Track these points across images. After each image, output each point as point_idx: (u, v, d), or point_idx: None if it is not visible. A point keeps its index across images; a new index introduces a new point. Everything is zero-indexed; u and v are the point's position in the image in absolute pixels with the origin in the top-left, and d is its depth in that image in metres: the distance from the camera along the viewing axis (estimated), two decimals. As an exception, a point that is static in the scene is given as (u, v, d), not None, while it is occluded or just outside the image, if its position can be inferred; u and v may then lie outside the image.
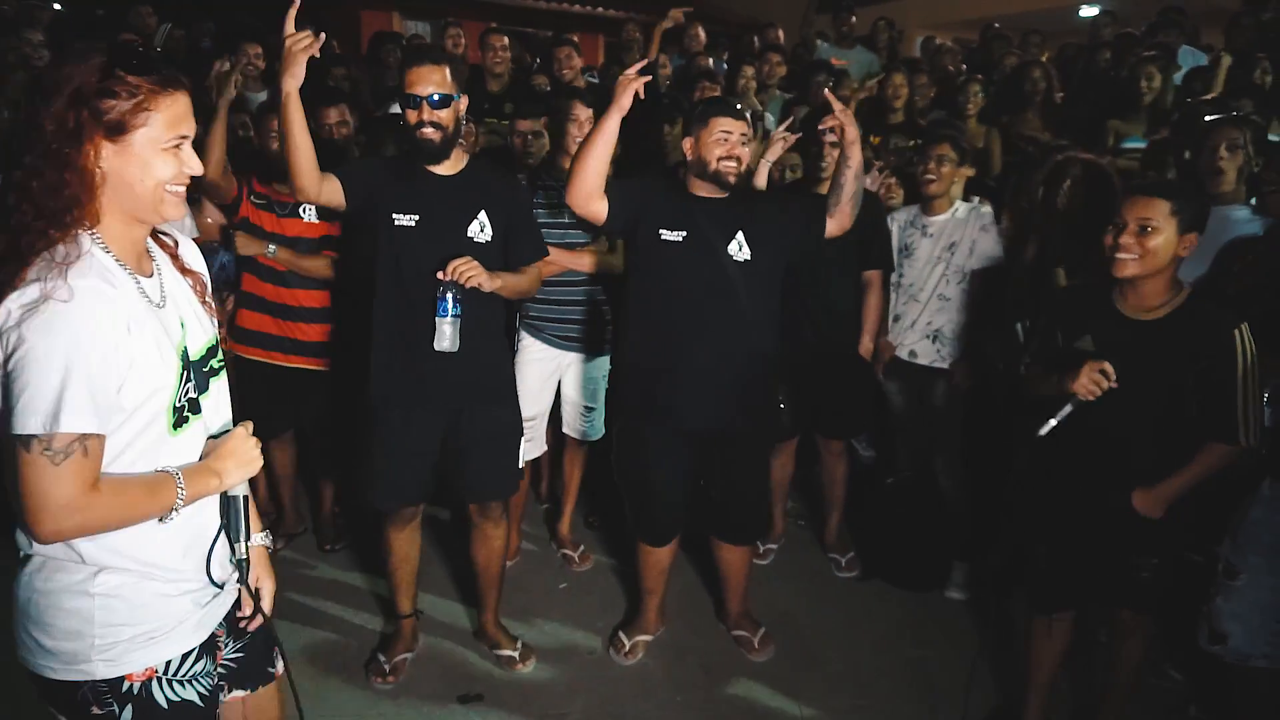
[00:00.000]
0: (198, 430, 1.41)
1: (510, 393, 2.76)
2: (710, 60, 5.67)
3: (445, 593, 3.28)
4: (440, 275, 2.38)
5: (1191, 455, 2.16)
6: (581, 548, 3.60)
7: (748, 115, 2.73)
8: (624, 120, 2.48)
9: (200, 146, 1.44)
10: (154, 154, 1.27)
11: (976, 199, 3.37)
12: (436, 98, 2.40)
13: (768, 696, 2.81)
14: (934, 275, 3.28)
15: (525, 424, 3.33)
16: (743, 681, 2.87)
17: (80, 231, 1.26)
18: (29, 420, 1.17)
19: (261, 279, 3.22)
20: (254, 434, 1.44)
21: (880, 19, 6.86)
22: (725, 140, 2.56)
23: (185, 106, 1.30)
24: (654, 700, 2.78)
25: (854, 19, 6.49)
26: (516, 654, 2.89)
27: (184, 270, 1.48)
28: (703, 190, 2.65)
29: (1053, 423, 2.17)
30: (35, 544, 1.29)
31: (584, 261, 3.21)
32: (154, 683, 1.36)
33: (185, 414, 1.37)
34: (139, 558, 1.34)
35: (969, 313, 3.28)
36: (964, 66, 6.01)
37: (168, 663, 1.37)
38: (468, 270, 2.39)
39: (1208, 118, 3.28)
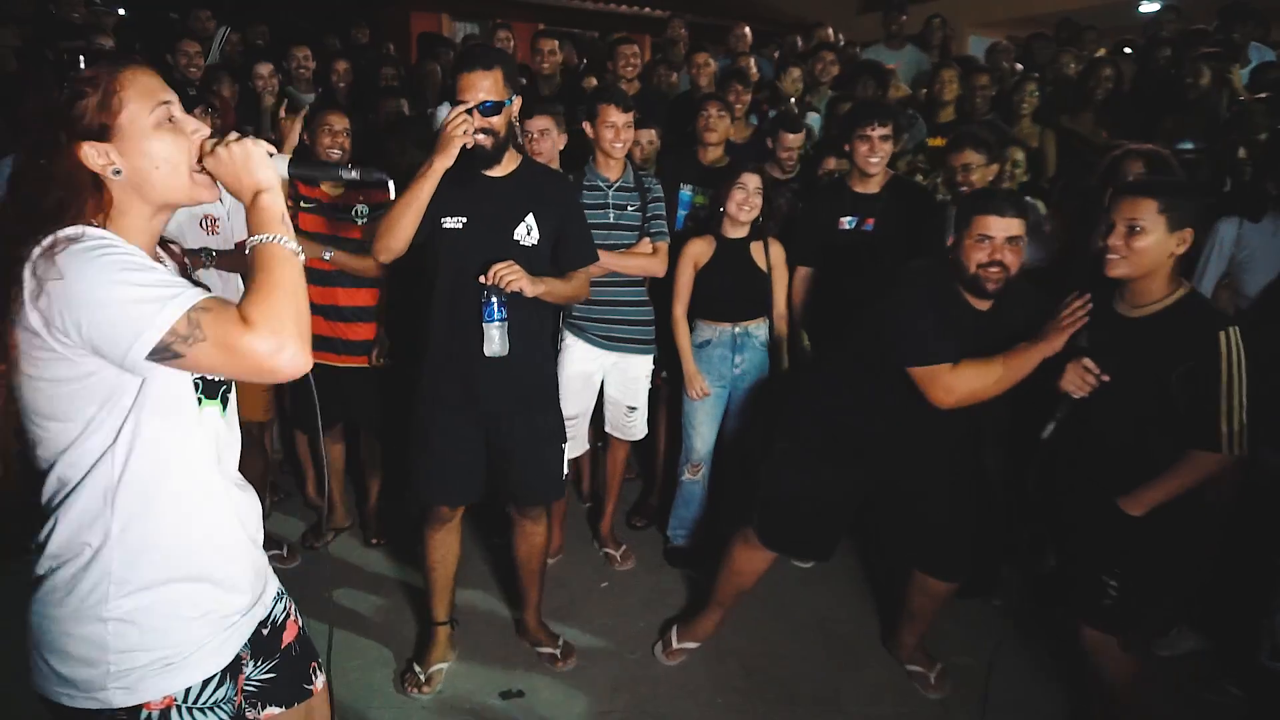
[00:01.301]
0: (216, 414, 1.37)
1: (553, 398, 2.75)
2: (753, 60, 5.64)
3: (487, 588, 3.32)
4: (482, 279, 2.39)
5: (1175, 461, 2.09)
6: (624, 547, 3.61)
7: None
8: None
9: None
10: (151, 135, 1.24)
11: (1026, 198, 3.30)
12: (488, 104, 2.38)
13: (809, 702, 2.78)
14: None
15: (567, 423, 3.36)
16: (784, 686, 2.85)
17: (83, 226, 1.21)
18: (147, 333, 1.12)
19: (308, 281, 3.27)
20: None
21: (933, 16, 6.75)
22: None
23: (149, 76, 1.26)
24: (695, 701, 2.77)
25: (904, 17, 6.39)
26: (558, 652, 2.91)
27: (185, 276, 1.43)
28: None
29: (1052, 425, 2.14)
30: (48, 551, 1.25)
31: (627, 263, 3.21)
32: (172, 711, 1.29)
33: (203, 394, 1.33)
34: (165, 572, 1.29)
35: None
36: (1019, 66, 5.89)
37: (187, 690, 1.31)
38: (508, 274, 2.38)
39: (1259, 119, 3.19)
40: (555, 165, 3.52)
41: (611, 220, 3.21)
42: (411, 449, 2.66)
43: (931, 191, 3.63)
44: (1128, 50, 5.53)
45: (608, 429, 3.54)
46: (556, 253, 2.61)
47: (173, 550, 1.30)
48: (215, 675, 1.35)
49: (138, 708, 1.27)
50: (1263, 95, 4.03)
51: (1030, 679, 2.87)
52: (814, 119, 4.90)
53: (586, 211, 3.21)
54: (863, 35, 7.55)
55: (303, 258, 1.27)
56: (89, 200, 1.22)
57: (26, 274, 1.14)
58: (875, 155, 3.22)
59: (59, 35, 4.50)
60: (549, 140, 3.43)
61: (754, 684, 2.86)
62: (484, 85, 2.37)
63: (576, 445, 3.44)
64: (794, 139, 3.91)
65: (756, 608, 3.18)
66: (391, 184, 1.57)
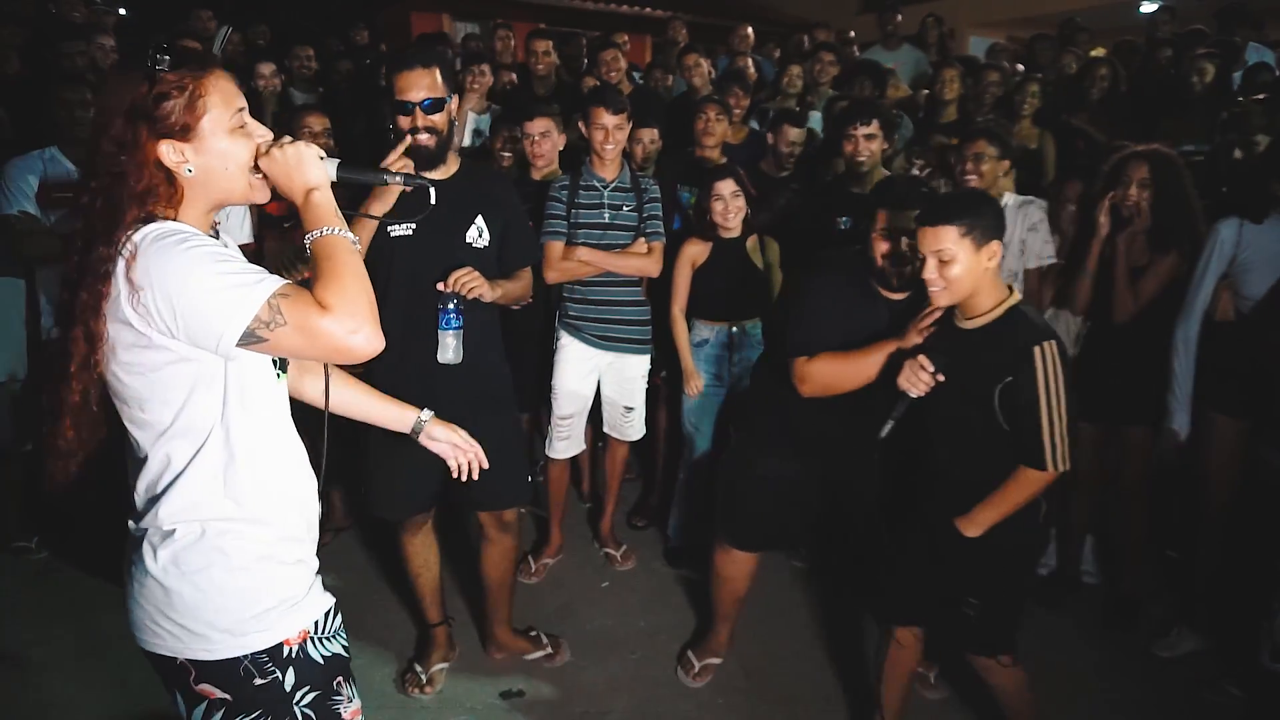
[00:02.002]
0: (284, 390, 1.45)
1: (511, 399, 2.72)
2: (751, 62, 5.64)
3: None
4: (441, 287, 2.36)
5: (1005, 477, 2.08)
6: (624, 547, 3.62)
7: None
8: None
9: None
10: (226, 138, 1.31)
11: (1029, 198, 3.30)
12: (428, 102, 2.35)
13: (808, 702, 2.78)
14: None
15: (563, 422, 3.38)
16: (784, 686, 2.85)
17: (161, 219, 1.29)
18: (237, 317, 1.19)
19: None
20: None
21: (929, 16, 6.75)
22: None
23: (228, 81, 1.33)
24: (694, 701, 2.78)
25: (899, 17, 6.40)
26: (547, 649, 2.89)
27: None
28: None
29: (890, 424, 2.13)
30: (164, 528, 1.32)
31: (622, 263, 3.22)
32: (308, 643, 1.41)
33: (280, 368, 1.43)
34: (259, 526, 1.37)
35: None
36: (1020, 66, 5.89)
37: (315, 623, 1.43)
38: (470, 281, 2.36)
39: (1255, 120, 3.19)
40: (555, 166, 3.53)
41: (607, 220, 3.22)
42: (365, 463, 2.59)
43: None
44: (1133, 49, 5.52)
45: (606, 429, 3.55)
46: (502, 251, 2.58)
47: (274, 506, 1.39)
48: (330, 608, 1.47)
49: (279, 645, 1.37)
50: (1260, 97, 4.04)
51: (1035, 679, 2.87)
52: (814, 119, 4.90)
53: (583, 211, 3.22)
54: (862, 35, 7.55)
55: (360, 246, 1.33)
56: (164, 194, 1.29)
57: (120, 267, 1.22)
58: (861, 154, 3.22)
59: (60, 35, 4.50)
60: (549, 141, 3.43)
61: (754, 684, 2.86)
62: (424, 83, 2.35)
63: (573, 445, 3.44)
64: (796, 133, 3.91)
65: (757, 609, 3.18)
66: (433, 190, 1.61)
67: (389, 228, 2.43)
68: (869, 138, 3.20)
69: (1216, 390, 2.90)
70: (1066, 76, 5.18)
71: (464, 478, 1.85)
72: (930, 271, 2.05)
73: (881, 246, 2.34)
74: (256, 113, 1.41)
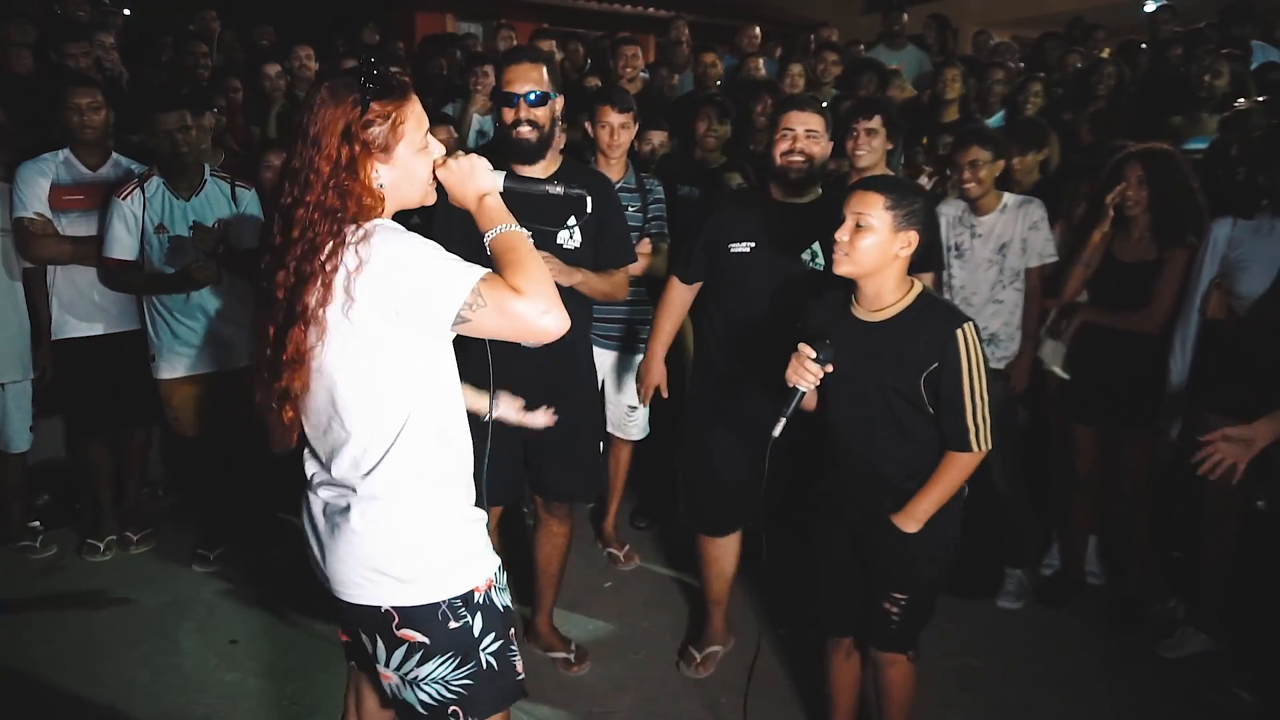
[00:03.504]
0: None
1: (593, 394, 2.72)
2: (761, 61, 5.64)
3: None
4: None
5: (933, 467, 2.06)
6: (627, 547, 3.62)
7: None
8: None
9: None
10: (415, 156, 1.49)
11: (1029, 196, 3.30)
12: (534, 96, 2.36)
13: (812, 702, 2.77)
14: (988, 279, 3.22)
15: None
16: (788, 686, 2.85)
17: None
18: (454, 298, 1.36)
19: None
20: None
21: (932, 15, 6.74)
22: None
23: (418, 104, 1.50)
24: (699, 700, 2.77)
25: (905, 17, 6.38)
26: (571, 656, 2.88)
27: None
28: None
29: (782, 421, 2.06)
30: (374, 493, 1.48)
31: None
32: (492, 591, 1.57)
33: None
34: (451, 487, 1.56)
35: (1024, 310, 3.22)
36: (1022, 65, 5.88)
37: (493, 574, 1.58)
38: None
39: (1257, 120, 3.18)
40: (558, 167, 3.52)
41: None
42: None
43: (932, 193, 3.63)
44: (1136, 48, 5.51)
45: (609, 428, 3.54)
46: (596, 253, 2.55)
47: (460, 470, 1.58)
48: (499, 564, 1.62)
49: (470, 592, 1.53)
50: (1261, 99, 4.03)
51: (1032, 679, 2.87)
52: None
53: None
54: (865, 36, 7.54)
55: (531, 238, 1.52)
56: (372, 205, 1.45)
57: (348, 255, 1.39)
58: (861, 149, 3.22)
59: (63, 36, 4.51)
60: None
61: (757, 684, 2.84)
62: (532, 77, 2.37)
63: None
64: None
65: (759, 609, 3.19)
66: (590, 200, 1.72)
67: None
68: (870, 132, 3.19)
69: (1212, 390, 2.90)
70: (1072, 75, 5.17)
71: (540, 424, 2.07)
72: (843, 234, 2.01)
73: (781, 145, 2.55)
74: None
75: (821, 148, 2.58)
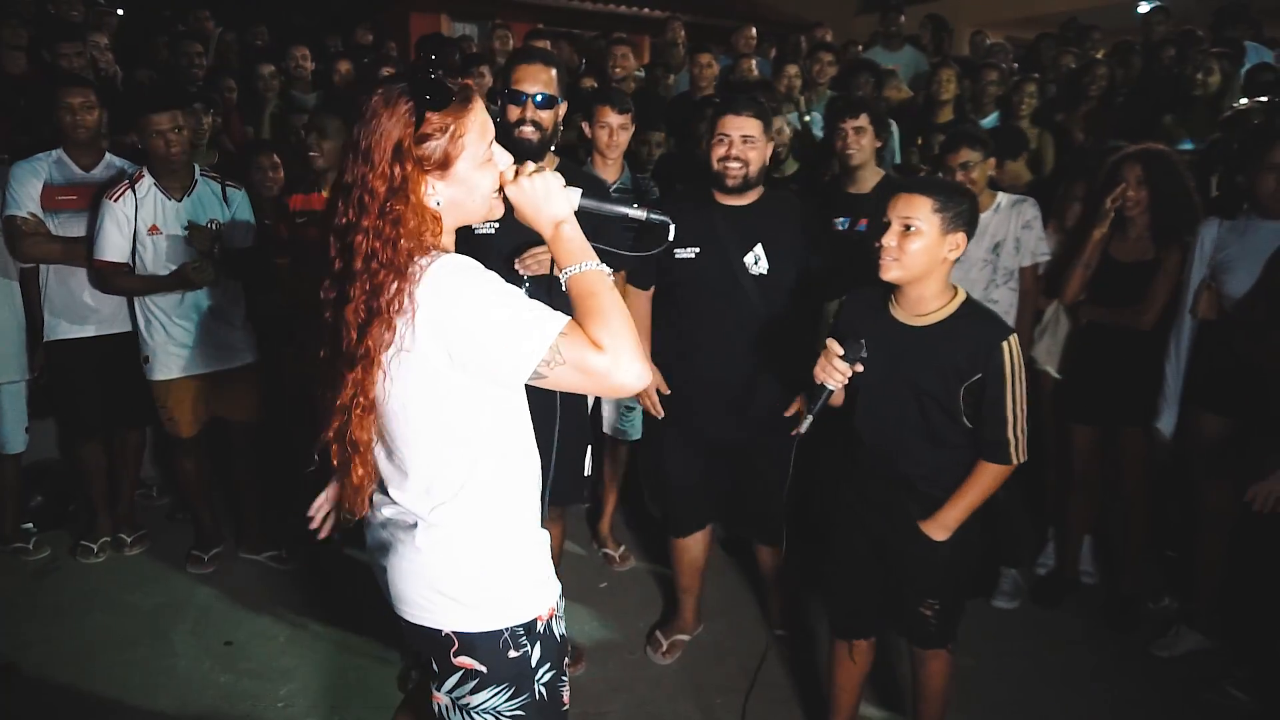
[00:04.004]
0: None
1: (580, 398, 2.70)
2: (755, 62, 5.65)
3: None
4: (516, 264, 2.32)
5: (958, 475, 2.06)
6: (622, 547, 3.61)
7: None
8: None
9: None
10: (476, 170, 1.36)
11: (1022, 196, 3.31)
12: (541, 98, 2.35)
13: (808, 702, 2.78)
14: (981, 278, 3.22)
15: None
16: (783, 687, 2.85)
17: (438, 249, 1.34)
18: (530, 357, 1.26)
19: None
20: None
21: (928, 16, 6.75)
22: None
23: (482, 111, 1.37)
24: (694, 701, 2.77)
25: (902, 18, 6.40)
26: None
27: None
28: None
29: (809, 419, 2.04)
30: (443, 517, 1.40)
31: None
32: (553, 620, 1.50)
33: None
34: (520, 512, 1.48)
35: (1018, 309, 3.23)
36: (1015, 65, 5.90)
37: (556, 601, 1.52)
38: (532, 262, 2.30)
39: (1256, 120, 3.19)
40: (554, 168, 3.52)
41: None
42: None
43: None
44: (1129, 48, 5.53)
45: (605, 429, 3.54)
46: None
47: (527, 495, 1.50)
48: (559, 589, 1.54)
49: (534, 620, 1.45)
50: (1263, 99, 4.04)
51: (1027, 679, 2.87)
52: (816, 120, 4.90)
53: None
54: (862, 36, 7.55)
55: (611, 275, 1.39)
56: (431, 227, 1.34)
57: (411, 299, 1.27)
58: (851, 148, 3.22)
59: (56, 36, 4.50)
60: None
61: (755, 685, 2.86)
62: (542, 78, 2.36)
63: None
64: (774, 120, 3.87)
65: (755, 609, 3.18)
66: (673, 227, 1.58)
67: (473, 227, 2.37)
68: (858, 131, 3.21)
69: (1204, 389, 2.91)
70: (1066, 75, 5.18)
71: None
72: (890, 238, 1.99)
73: (717, 151, 2.53)
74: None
75: (759, 152, 2.57)
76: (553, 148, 2.49)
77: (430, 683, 1.49)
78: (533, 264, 2.34)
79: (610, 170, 3.28)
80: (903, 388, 2.07)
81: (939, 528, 2.08)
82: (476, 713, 1.44)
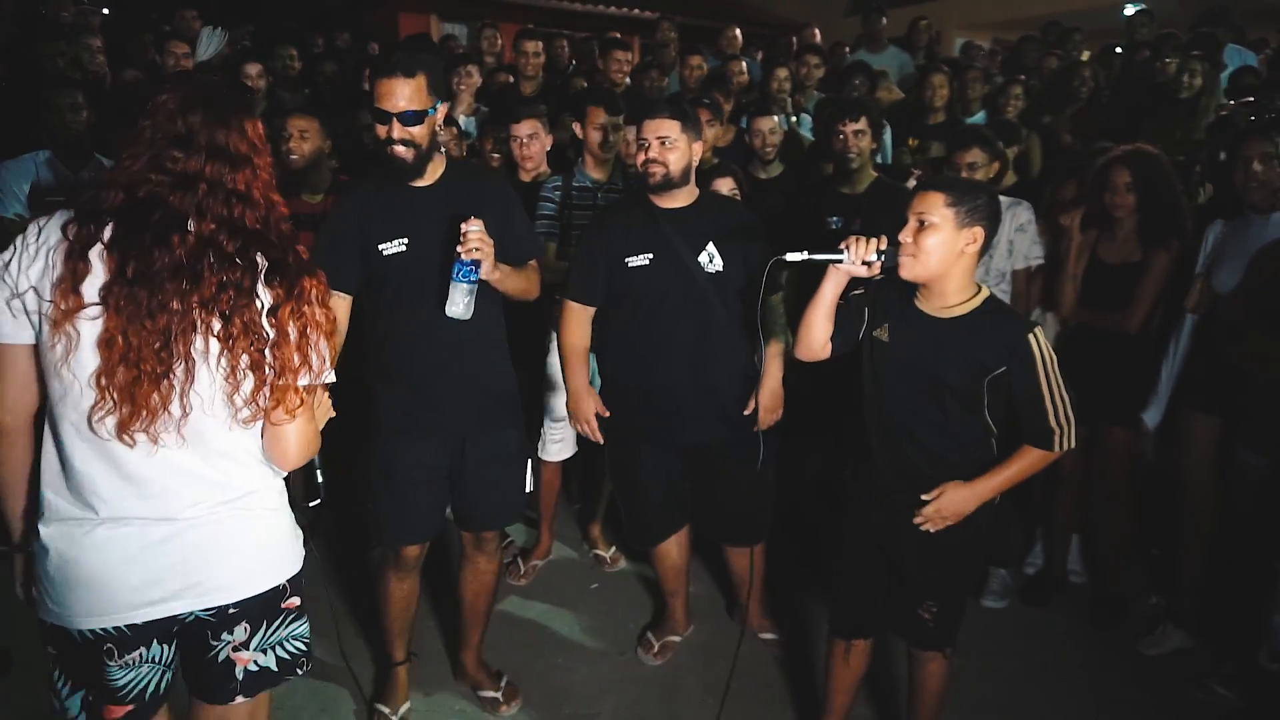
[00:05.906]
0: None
1: (517, 414, 2.59)
2: (745, 64, 5.67)
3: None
4: (464, 225, 2.17)
5: (967, 470, 2.09)
6: (613, 548, 3.61)
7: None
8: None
9: None
10: None
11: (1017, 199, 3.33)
12: (408, 114, 2.20)
13: (800, 704, 2.79)
14: (974, 280, 3.25)
15: (556, 425, 3.38)
16: (774, 688, 2.86)
17: None
18: None
19: None
20: None
21: (918, 19, 6.79)
22: None
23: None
24: (684, 702, 2.78)
25: (885, 20, 6.43)
26: (500, 695, 2.71)
27: None
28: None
29: (804, 254, 2.03)
30: (255, 489, 1.60)
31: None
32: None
33: None
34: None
35: None
36: (1000, 67, 5.94)
37: None
38: (476, 241, 2.16)
39: (1241, 123, 3.22)
40: (544, 168, 3.53)
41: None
42: (372, 486, 2.47)
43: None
44: (1118, 50, 5.59)
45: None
46: (502, 250, 2.29)
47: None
48: None
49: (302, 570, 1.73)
50: (1249, 100, 4.08)
51: (1015, 678, 2.89)
52: (805, 121, 4.91)
53: (576, 213, 3.21)
54: (850, 38, 7.58)
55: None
56: None
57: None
58: (850, 150, 3.24)
59: (42, 36, 4.46)
60: (537, 143, 3.42)
61: (743, 685, 2.85)
62: (404, 93, 2.20)
63: (566, 447, 3.45)
64: (768, 122, 3.90)
65: (719, 604, 3.19)
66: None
67: (379, 245, 2.32)
68: (857, 134, 3.22)
69: (1192, 387, 2.94)
70: (1051, 77, 5.23)
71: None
72: (906, 234, 2.01)
73: (639, 156, 2.57)
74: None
75: (680, 152, 2.52)
76: (441, 150, 2.40)
77: (235, 652, 1.64)
78: (471, 242, 2.19)
79: (602, 170, 3.28)
80: (922, 376, 2.09)
81: (969, 494, 2.07)
82: (290, 640, 1.69)
